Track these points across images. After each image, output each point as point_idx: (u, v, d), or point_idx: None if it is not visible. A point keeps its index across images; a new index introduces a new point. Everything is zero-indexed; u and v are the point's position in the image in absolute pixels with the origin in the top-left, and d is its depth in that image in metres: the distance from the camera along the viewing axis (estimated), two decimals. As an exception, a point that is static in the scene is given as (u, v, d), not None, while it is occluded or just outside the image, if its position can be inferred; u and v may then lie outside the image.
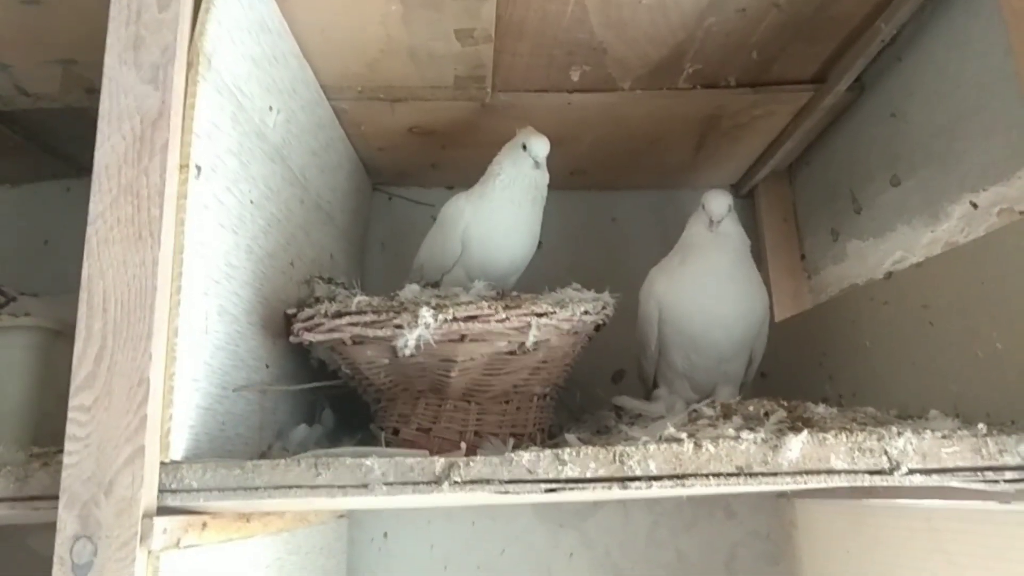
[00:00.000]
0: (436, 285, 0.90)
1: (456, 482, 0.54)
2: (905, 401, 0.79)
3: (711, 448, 0.55)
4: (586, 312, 0.73)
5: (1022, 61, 0.66)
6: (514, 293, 0.76)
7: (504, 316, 0.68)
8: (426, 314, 0.66)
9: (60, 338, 0.83)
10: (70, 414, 0.52)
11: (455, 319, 0.67)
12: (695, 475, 0.55)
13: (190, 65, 0.60)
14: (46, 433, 0.77)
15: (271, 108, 0.76)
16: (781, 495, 1.09)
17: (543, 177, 0.91)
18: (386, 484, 0.54)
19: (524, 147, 0.89)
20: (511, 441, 0.75)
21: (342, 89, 0.95)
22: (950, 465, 0.55)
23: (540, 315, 0.69)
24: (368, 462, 0.55)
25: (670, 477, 0.55)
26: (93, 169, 0.56)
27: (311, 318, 0.72)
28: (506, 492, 0.55)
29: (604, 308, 0.77)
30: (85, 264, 0.54)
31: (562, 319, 0.71)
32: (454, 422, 0.76)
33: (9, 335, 0.81)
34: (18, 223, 1.22)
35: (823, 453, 0.55)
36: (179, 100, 0.58)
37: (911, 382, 0.81)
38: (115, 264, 0.54)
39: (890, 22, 0.83)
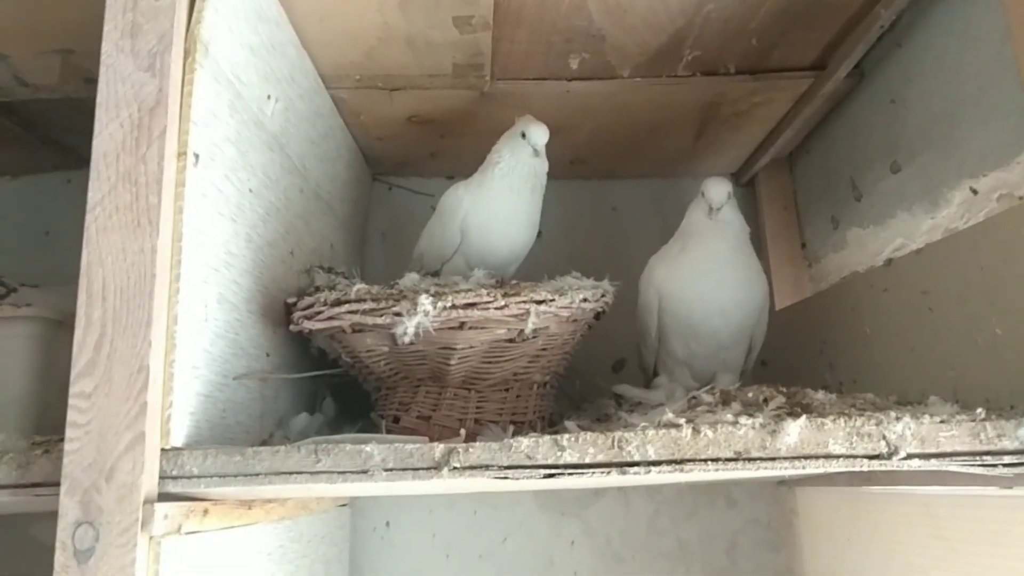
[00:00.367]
0: (436, 274, 0.90)
1: (455, 468, 0.55)
2: (905, 387, 0.79)
3: (709, 433, 0.56)
4: (585, 300, 0.73)
5: (1021, 47, 0.66)
6: (513, 281, 0.77)
7: (503, 303, 0.68)
8: (425, 302, 0.66)
9: (61, 328, 0.83)
10: (71, 401, 0.52)
11: (454, 306, 0.67)
12: (693, 460, 0.55)
13: (187, 53, 0.60)
14: (47, 423, 0.77)
15: (269, 97, 0.76)
16: (781, 483, 1.09)
17: (542, 165, 0.91)
18: (386, 470, 0.55)
19: (523, 135, 0.89)
20: (511, 429, 0.75)
21: (340, 78, 0.95)
22: (948, 450, 0.55)
23: (539, 302, 0.69)
24: (368, 448, 0.55)
25: (668, 462, 0.55)
26: (91, 156, 0.56)
27: (311, 306, 0.72)
28: (505, 477, 0.55)
29: (603, 296, 0.77)
30: (84, 252, 0.54)
31: (561, 307, 0.71)
32: (454, 410, 0.76)
33: (10, 325, 0.81)
34: (19, 214, 1.22)
35: (821, 438, 0.55)
36: (176, 88, 0.58)
37: (911, 368, 0.81)
38: (114, 252, 0.54)
39: (889, 8, 0.83)
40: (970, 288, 0.71)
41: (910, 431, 0.55)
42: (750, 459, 0.55)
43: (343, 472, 0.54)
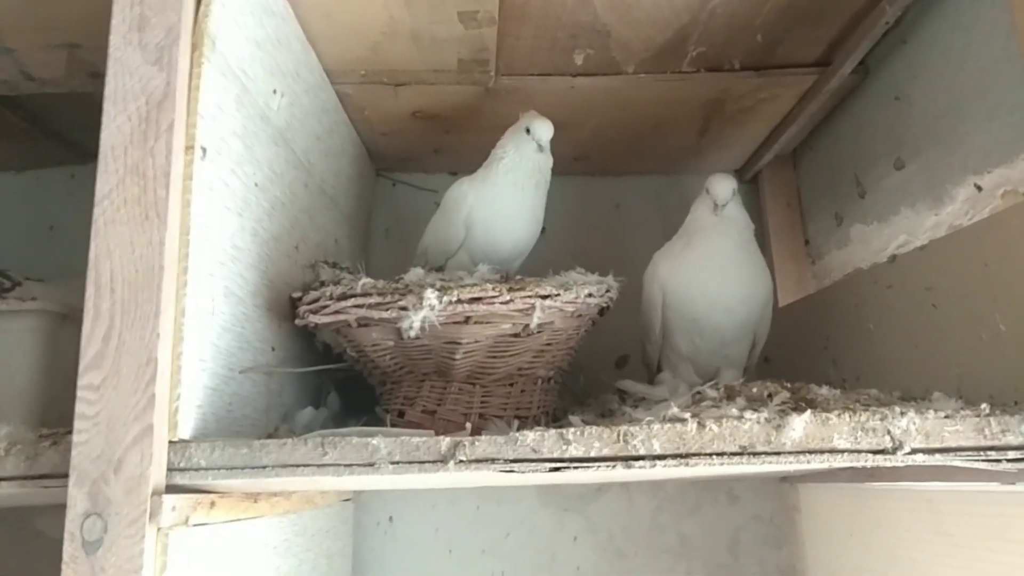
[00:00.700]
0: (440, 270, 0.90)
1: (461, 461, 0.55)
2: (909, 384, 0.79)
3: (714, 428, 0.56)
4: (590, 295, 0.74)
5: (1027, 41, 0.66)
6: (518, 276, 0.77)
7: (508, 298, 0.68)
8: (431, 296, 0.67)
9: (67, 322, 0.83)
10: (79, 393, 0.52)
11: (459, 301, 0.67)
12: (698, 454, 0.55)
13: (194, 47, 0.60)
14: (53, 416, 0.77)
15: (275, 91, 0.76)
16: (784, 479, 1.10)
17: (547, 161, 0.91)
18: (392, 463, 0.55)
19: (528, 130, 0.89)
20: (516, 423, 0.75)
21: (345, 73, 0.95)
22: (952, 445, 0.55)
23: (544, 297, 0.70)
24: (374, 441, 0.55)
25: (674, 456, 0.55)
26: (99, 150, 0.56)
27: (316, 300, 0.72)
28: (511, 471, 0.55)
29: (608, 291, 0.78)
30: (92, 244, 0.54)
31: (566, 301, 0.71)
32: (459, 404, 0.76)
33: (16, 319, 0.81)
34: (23, 209, 1.22)
35: (826, 433, 0.56)
36: (184, 81, 0.58)
37: (914, 365, 0.81)
38: (122, 244, 0.54)
39: (894, 4, 0.83)
40: (974, 284, 0.71)
41: (914, 426, 0.55)
42: (755, 453, 0.55)
43: (350, 465, 0.55)
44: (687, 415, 0.57)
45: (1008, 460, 0.55)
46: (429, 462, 0.55)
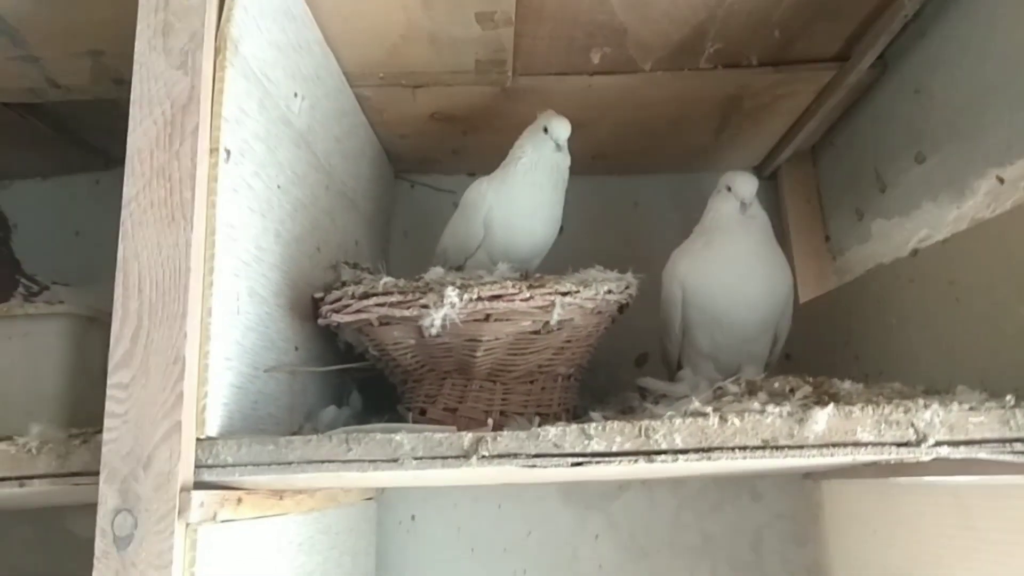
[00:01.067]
0: (459, 269, 0.90)
1: (484, 456, 0.55)
2: (932, 379, 0.78)
3: (737, 422, 0.56)
4: (609, 291, 0.74)
5: (1049, 31, 0.65)
6: (537, 275, 0.77)
7: (528, 295, 0.69)
8: (452, 294, 0.67)
9: (94, 325, 0.84)
10: (108, 391, 0.53)
11: (480, 298, 0.68)
12: (721, 448, 0.55)
13: (218, 51, 0.61)
14: (81, 418, 0.79)
15: (296, 95, 0.77)
16: (807, 476, 1.09)
17: (565, 160, 0.92)
18: (415, 459, 0.55)
19: (545, 130, 0.90)
20: (536, 420, 0.75)
21: (364, 76, 0.96)
22: (977, 437, 0.55)
23: (564, 294, 0.70)
24: (398, 437, 0.56)
25: (696, 451, 0.55)
26: (126, 153, 0.57)
27: (339, 300, 0.73)
28: (533, 466, 0.55)
29: (627, 288, 0.78)
30: (120, 246, 0.55)
31: (586, 298, 0.72)
32: (480, 402, 0.77)
33: (44, 322, 0.83)
34: (49, 215, 1.24)
35: (849, 426, 0.55)
36: (208, 85, 0.59)
37: (937, 360, 0.80)
38: (149, 246, 0.55)
39: (913, -3, 0.83)
40: (997, 277, 0.70)
41: (939, 419, 0.55)
42: (777, 447, 0.55)
43: (374, 460, 0.55)
44: (708, 409, 0.57)
45: (1034, 452, 0.55)
46: (452, 457, 0.55)
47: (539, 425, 0.57)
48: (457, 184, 1.23)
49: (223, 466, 0.55)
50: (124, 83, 0.59)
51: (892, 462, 0.70)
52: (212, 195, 0.58)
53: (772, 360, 0.96)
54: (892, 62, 0.97)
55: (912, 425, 0.55)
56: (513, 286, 0.69)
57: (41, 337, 0.83)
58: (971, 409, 0.56)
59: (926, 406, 0.56)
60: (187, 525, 0.52)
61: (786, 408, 0.57)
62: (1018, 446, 0.55)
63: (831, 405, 0.56)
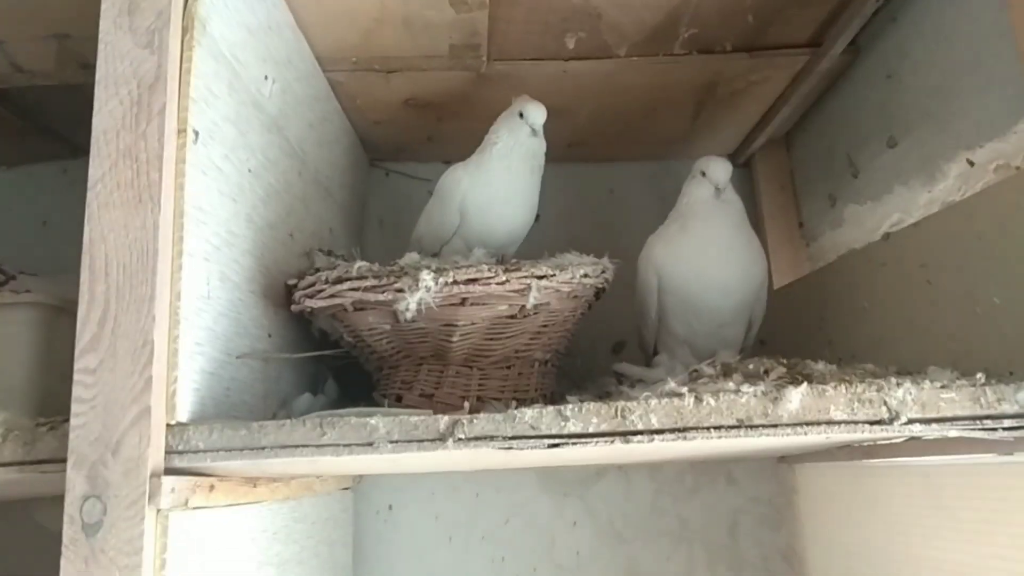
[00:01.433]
0: (435, 256, 0.90)
1: (460, 439, 0.55)
2: (905, 360, 0.79)
3: (712, 401, 0.56)
4: (585, 275, 0.74)
5: (1018, 14, 0.66)
6: (514, 259, 0.77)
7: (504, 279, 0.68)
8: (427, 277, 0.67)
9: (61, 315, 0.83)
10: (76, 376, 0.52)
11: (456, 282, 0.67)
12: (696, 428, 0.56)
13: (185, 30, 0.60)
14: (49, 408, 0.77)
15: (267, 78, 0.76)
16: (781, 460, 1.10)
17: (540, 145, 0.91)
18: (391, 442, 0.55)
19: (521, 115, 0.89)
20: (514, 405, 0.75)
21: (337, 60, 0.94)
22: (949, 414, 0.56)
23: (540, 278, 0.70)
24: (373, 421, 0.55)
25: (672, 431, 0.56)
26: (91, 134, 0.56)
27: (312, 285, 0.72)
28: (510, 448, 0.55)
29: (603, 272, 0.78)
30: (86, 228, 0.54)
31: (562, 282, 0.72)
32: (456, 387, 0.77)
33: (11, 312, 0.81)
34: (15, 205, 1.22)
35: (823, 405, 0.56)
36: (175, 65, 0.58)
37: (910, 341, 0.81)
38: (116, 228, 0.54)
39: (884, -18, 0.83)
40: (969, 259, 0.71)
41: (911, 396, 0.56)
42: (752, 426, 0.56)
43: (348, 445, 0.55)
44: (684, 390, 0.57)
45: (1004, 428, 0.55)
46: (428, 440, 0.55)
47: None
48: (432, 172, 1.22)
49: (194, 451, 0.54)
50: (91, 68, 0.58)
51: (865, 441, 0.71)
52: (180, 177, 0.57)
53: (747, 345, 0.97)
54: (864, 48, 0.98)
55: (885, 403, 0.56)
56: (489, 270, 0.69)
57: (7, 327, 0.81)
58: (942, 387, 0.56)
59: (898, 384, 0.56)
60: (158, 511, 0.51)
61: (760, 388, 0.57)
62: (988, 423, 0.56)
63: (804, 384, 0.57)
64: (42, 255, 1.08)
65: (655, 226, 0.97)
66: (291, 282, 0.76)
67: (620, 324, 1.10)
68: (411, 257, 0.76)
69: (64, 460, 0.51)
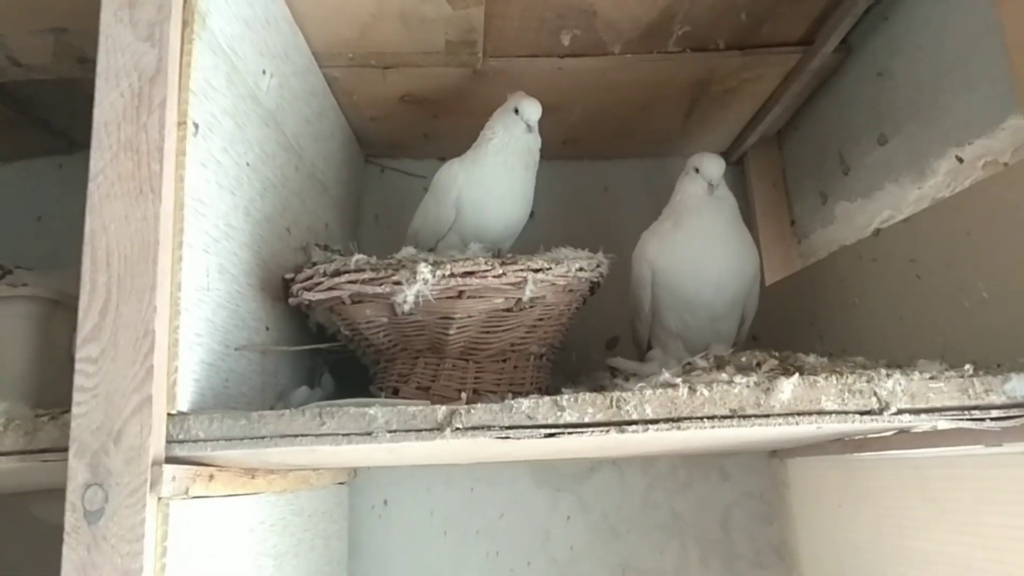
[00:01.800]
0: (431, 251, 0.90)
1: (458, 428, 0.56)
2: (894, 354, 0.80)
3: (705, 392, 0.57)
4: (581, 268, 0.75)
5: (1005, 11, 0.67)
6: (509, 254, 0.78)
7: (501, 271, 0.69)
8: (424, 270, 0.67)
9: (58, 308, 0.83)
10: (77, 365, 0.52)
11: (453, 275, 0.68)
12: (690, 418, 0.56)
13: (185, 23, 0.60)
14: (46, 401, 0.78)
15: (264, 72, 0.77)
16: (773, 454, 1.11)
17: (535, 141, 0.92)
18: (389, 432, 0.55)
19: (516, 111, 0.90)
20: (510, 397, 0.76)
21: (333, 56, 0.95)
22: (937, 405, 0.57)
23: (536, 271, 0.71)
24: (371, 411, 0.56)
25: (666, 420, 0.56)
26: (92, 126, 0.56)
27: (310, 278, 0.73)
28: (506, 438, 0.56)
29: (598, 266, 0.79)
30: (87, 219, 0.55)
31: (557, 275, 0.72)
32: (453, 380, 0.77)
33: (8, 305, 0.82)
34: (11, 200, 1.22)
35: (814, 395, 0.57)
36: (175, 58, 0.58)
37: (900, 336, 0.82)
38: (117, 219, 0.55)
39: (875, -20, 0.84)
40: (957, 254, 0.72)
41: (900, 387, 0.57)
42: (745, 416, 0.56)
43: (348, 434, 0.55)
44: (678, 380, 0.58)
45: (991, 419, 0.56)
46: (426, 430, 0.56)
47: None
48: (427, 169, 1.23)
49: (195, 441, 0.55)
50: (88, 62, 0.58)
51: (855, 434, 0.72)
52: (180, 168, 0.58)
53: (739, 340, 0.98)
54: (856, 46, 0.99)
55: (875, 394, 0.57)
56: (486, 263, 0.69)
57: (5, 320, 0.81)
58: (931, 378, 0.57)
59: (888, 375, 0.57)
60: (159, 499, 0.52)
61: (753, 379, 0.58)
62: (976, 413, 0.56)
63: (796, 375, 0.57)
64: (37, 250, 1.08)
65: (649, 223, 0.98)
66: (288, 276, 0.77)
67: (614, 320, 1.12)
68: (408, 251, 0.76)
69: (65, 449, 0.52)
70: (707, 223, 0.91)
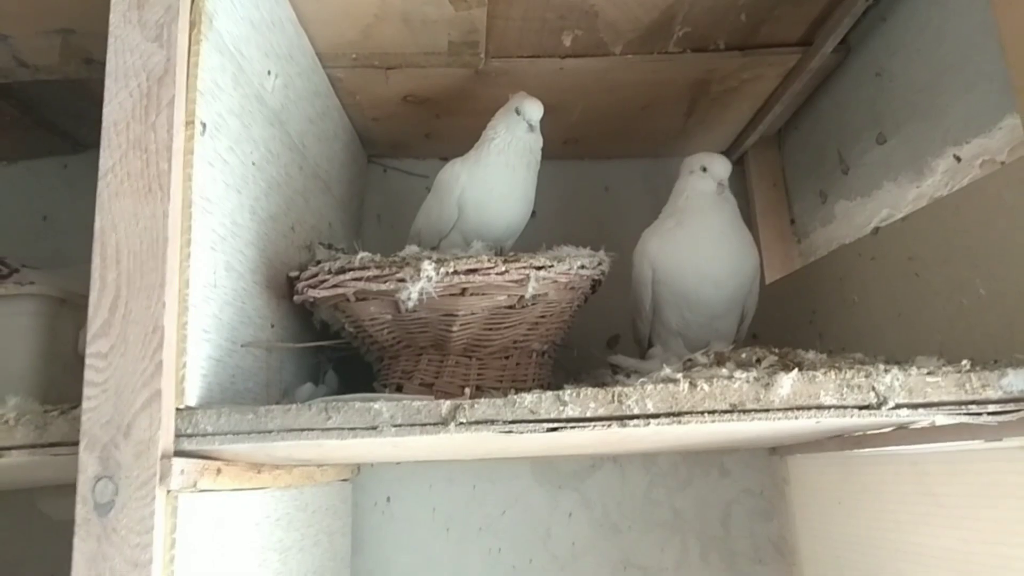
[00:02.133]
0: (434, 250, 0.91)
1: (461, 423, 0.56)
2: (893, 351, 0.81)
3: (706, 387, 0.58)
4: (583, 266, 0.75)
5: (1003, 11, 0.68)
6: (512, 252, 0.78)
7: (504, 269, 0.70)
8: (428, 267, 0.68)
9: (64, 307, 0.84)
10: (88, 361, 0.53)
11: (456, 272, 0.69)
12: (691, 412, 0.57)
13: (192, 24, 0.61)
14: (52, 397, 0.78)
15: (269, 72, 0.77)
16: (773, 451, 1.12)
17: (537, 141, 0.93)
18: (394, 426, 0.56)
19: (518, 111, 0.91)
20: (513, 393, 0.76)
21: (337, 56, 0.96)
22: (935, 399, 0.57)
23: (538, 268, 0.71)
24: (377, 405, 0.57)
25: (667, 415, 0.57)
26: (102, 125, 0.57)
27: (315, 275, 0.74)
28: (510, 432, 0.57)
29: (600, 264, 0.79)
30: (97, 217, 0.56)
31: (560, 272, 0.73)
32: (456, 377, 0.78)
33: (14, 303, 0.82)
34: (16, 200, 1.23)
35: (813, 390, 0.57)
36: (183, 58, 0.59)
37: (898, 333, 0.83)
38: (126, 217, 0.56)
39: (875, -19, 0.85)
40: (955, 251, 0.73)
41: (898, 382, 0.57)
42: (745, 411, 0.57)
43: (353, 428, 0.56)
44: (679, 376, 0.59)
45: (988, 413, 0.57)
46: (430, 424, 0.56)
47: (514, 396, 0.58)
48: (430, 169, 1.24)
49: (203, 435, 0.55)
50: (94, 63, 0.59)
51: (854, 429, 0.73)
52: (188, 167, 0.59)
53: (739, 338, 0.99)
54: (855, 46, 1.00)
55: (873, 388, 0.57)
56: (489, 260, 0.70)
57: (11, 318, 0.82)
58: (929, 373, 0.58)
59: (886, 370, 0.58)
60: (168, 492, 0.53)
61: (753, 374, 0.59)
62: (973, 407, 0.57)
63: (795, 370, 0.58)
64: (42, 250, 1.09)
65: (649, 222, 0.99)
66: (293, 274, 0.78)
67: (615, 318, 1.12)
68: (412, 249, 0.77)
69: (75, 443, 0.53)
70: (709, 222, 0.92)
